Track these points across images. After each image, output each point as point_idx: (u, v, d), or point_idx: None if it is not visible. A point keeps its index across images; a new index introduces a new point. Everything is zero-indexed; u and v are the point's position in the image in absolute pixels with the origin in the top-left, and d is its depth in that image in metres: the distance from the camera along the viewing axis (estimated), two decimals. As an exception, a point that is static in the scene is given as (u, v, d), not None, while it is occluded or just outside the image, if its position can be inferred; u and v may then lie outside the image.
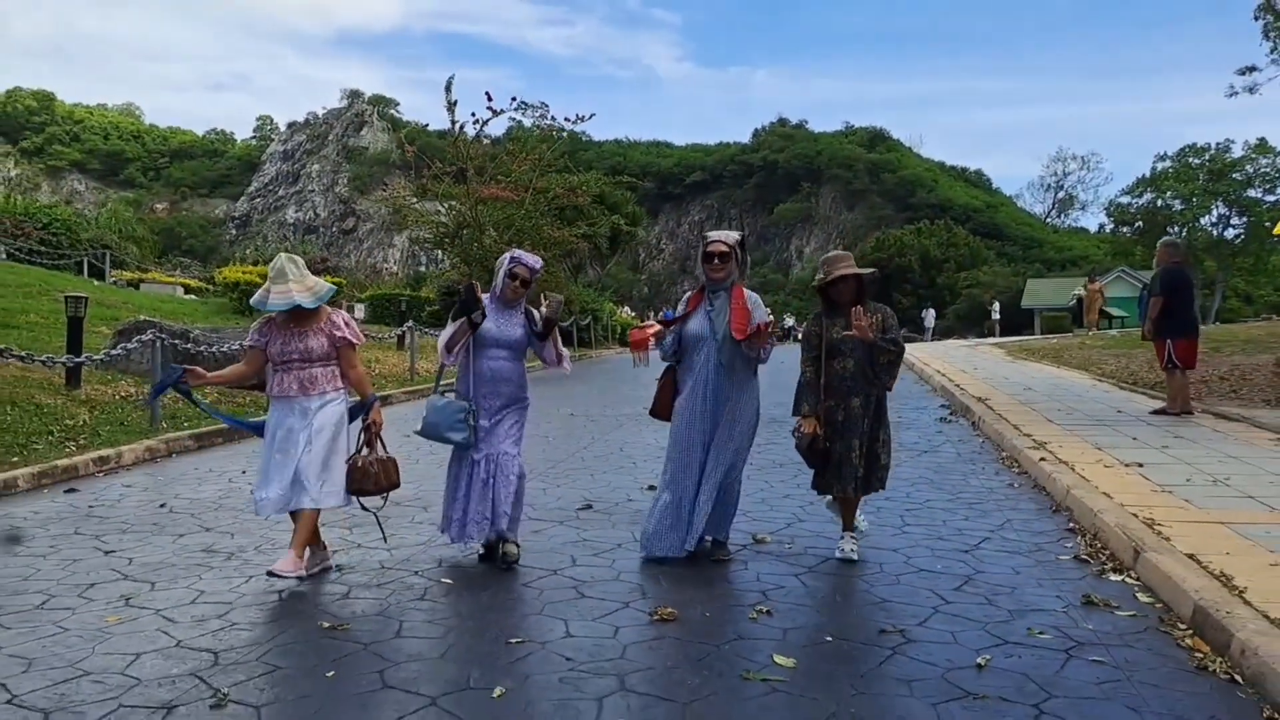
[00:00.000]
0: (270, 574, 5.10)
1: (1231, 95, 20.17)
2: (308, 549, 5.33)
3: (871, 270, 5.86)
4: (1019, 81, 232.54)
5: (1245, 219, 57.59)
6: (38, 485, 8.16)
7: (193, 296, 31.41)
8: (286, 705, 3.64)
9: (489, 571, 5.51)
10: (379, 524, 5.84)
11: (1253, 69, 19.59)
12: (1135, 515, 6.25)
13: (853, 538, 5.80)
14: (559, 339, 5.82)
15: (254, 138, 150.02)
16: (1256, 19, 19.19)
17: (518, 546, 5.68)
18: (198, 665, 4.05)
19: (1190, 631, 4.48)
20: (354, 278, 54.00)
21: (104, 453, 9.10)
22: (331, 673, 3.95)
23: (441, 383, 6.16)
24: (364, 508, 5.64)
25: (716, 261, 5.59)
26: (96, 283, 27.59)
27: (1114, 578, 5.38)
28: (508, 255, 5.84)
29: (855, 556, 5.67)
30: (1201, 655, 4.20)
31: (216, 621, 4.64)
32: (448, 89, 24.12)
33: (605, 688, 3.81)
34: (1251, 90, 19.79)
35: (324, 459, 5.29)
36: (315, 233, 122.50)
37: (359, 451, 5.46)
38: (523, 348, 5.75)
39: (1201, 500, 6.74)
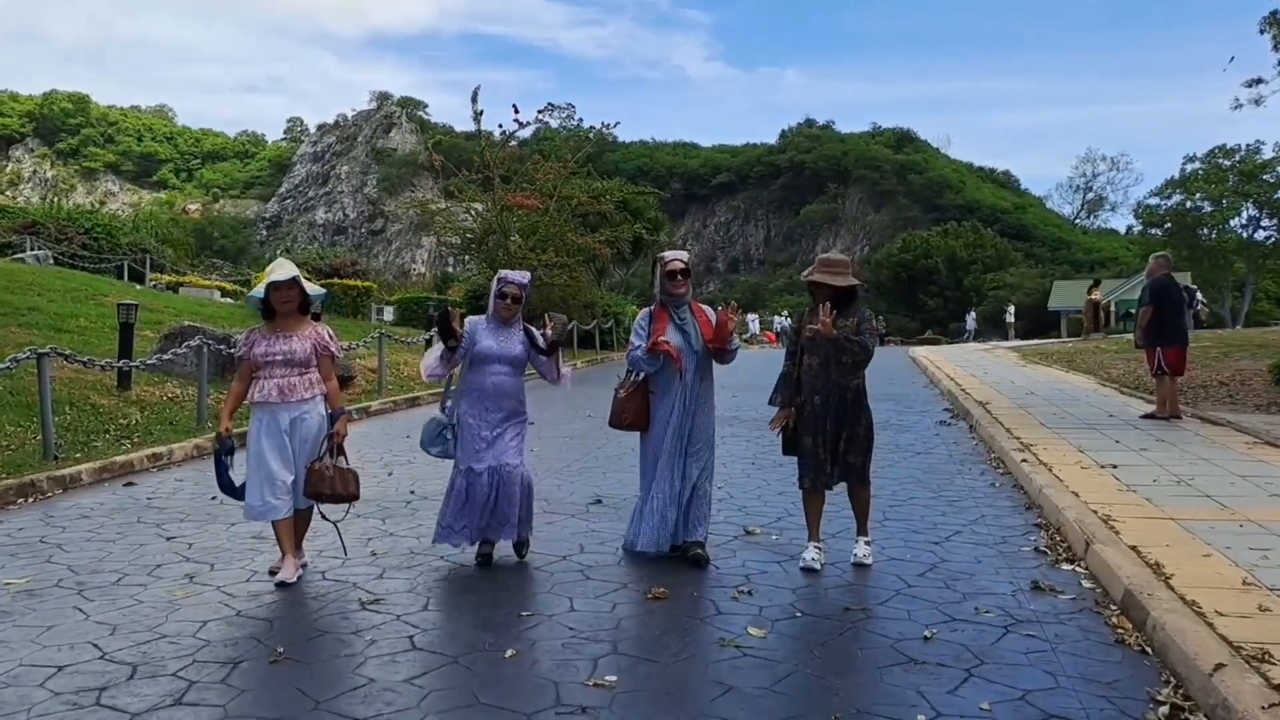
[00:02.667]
0: (281, 584, 5.52)
1: (1237, 108, 20.57)
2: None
3: (851, 285, 5.99)
4: (1048, 82, 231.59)
5: (1276, 221, 57.32)
6: (99, 479, 8.95)
7: (229, 300, 32.32)
8: (333, 662, 4.36)
9: (505, 557, 6.19)
10: (339, 536, 6.05)
11: (1259, 81, 19.96)
12: (1095, 512, 6.85)
13: (817, 547, 6.00)
14: (561, 356, 6.19)
15: (284, 139, 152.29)
16: (1262, 32, 19.56)
17: (526, 542, 6.18)
18: (256, 630, 4.78)
19: (1118, 612, 5.10)
20: (382, 279, 55.01)
21: (157, 450, 9.90)
22: (370, 636, 4.67)
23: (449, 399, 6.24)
24: (324, 517, 5.86)
25: (679, 278, 6.12)
26: (138, 287, 28.57)
27: (1065, 567, 6.00)
28: (496, 276, 6.20)
29: (817, 566, 5.87)
30: (1123, 631, 4.83)
31: (270, 596, 5.37)
32: (474, 99, 24.88)
33: (600, 651, 4.49)
34: (1258, 102, 20.17)
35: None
36: (344, 233, 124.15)
37: (320, 458, 5.67)
38: (522, 363, 6.05)
39: (1161, 499, 7.33)
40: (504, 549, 6.19)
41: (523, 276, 6.18)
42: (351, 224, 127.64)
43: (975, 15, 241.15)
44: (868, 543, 6.10)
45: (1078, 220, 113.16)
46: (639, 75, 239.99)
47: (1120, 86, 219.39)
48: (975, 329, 51.65)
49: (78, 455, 9.36)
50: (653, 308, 6.29)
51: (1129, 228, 79.05)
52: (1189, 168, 59.72)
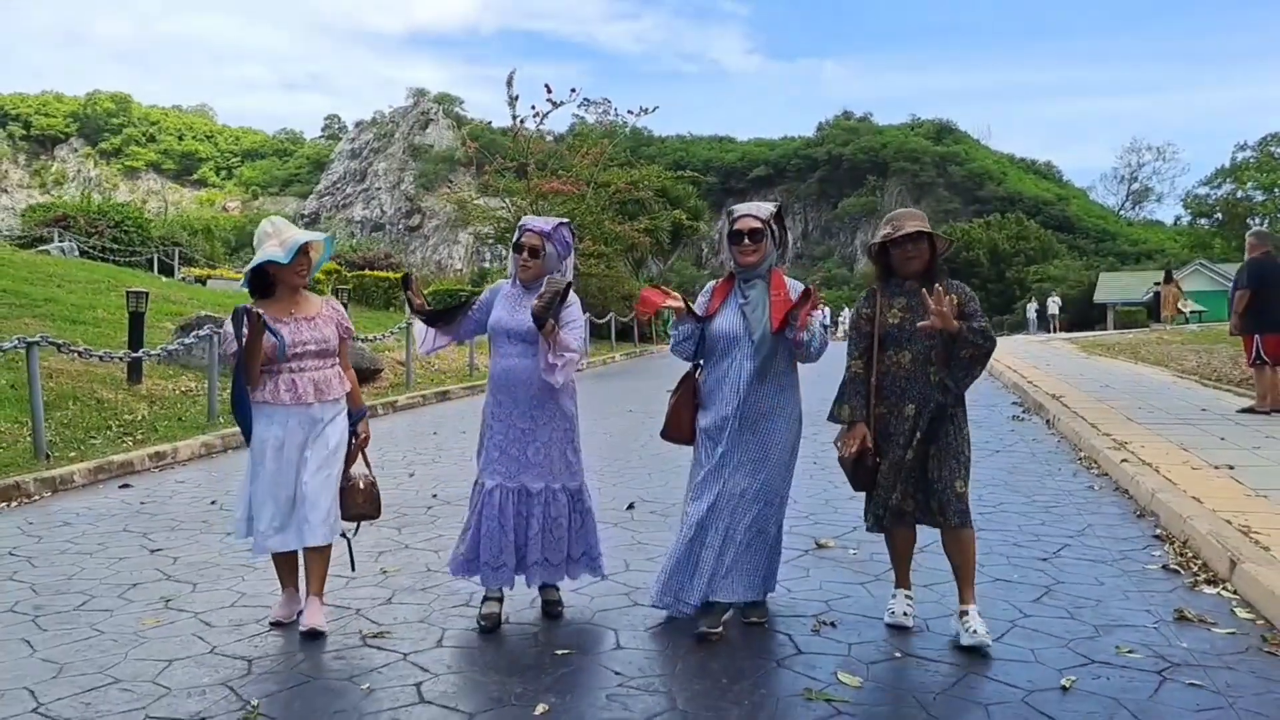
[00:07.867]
0: (313, 632, 4.28)
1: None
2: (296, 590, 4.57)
3: (949, 240, 4.65)
4: (1091, 72, 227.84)
5: (1332, 209, 55.58)
6: (94, 481, 8.14)
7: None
8: (318, 719, 3.44)
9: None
10: (349, 549, 4.77)
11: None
12: (1229, 522, 5.82)
13: (908, 598, 4.51)
14: (560, 337, 4.32)
15: (322, 137, 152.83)
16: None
17: (558, 590, 4.67)
18: (230, 674, 3.87)
19: (1297, 653, 4.09)
20: (420, 274, 54.38)
21: (160, 448, 9.08)
22: (366, 685, 3.75)
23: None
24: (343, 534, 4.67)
25: (747, 241, 4.42)
26: (165, 279, 28.02)
27: (1208, 590, 4.98)
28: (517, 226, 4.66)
29: (909, 622, 4.42)
30: (1312, 680, 3.81)
31: (254, 626, 4.47)
32: (509, 83, 24.09)
33: (655, 706, 3.55)
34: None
35: (335, 485, 4.47)
36: (382, 230, 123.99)
37: (352, 470, 4.55)
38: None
39: (1301, 506, 6.28)
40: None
41: (545, 224, 4.58)
42: (389, 220, 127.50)
43: (1016, 5, 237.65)
44: (979, 613, 4.26)
45: (1122, 212, 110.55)
46: (676, 69, 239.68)
47: (1166, 75, 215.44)
48: (1039, 315, 48.74)
49: (72, 454, 8.55)
50: (717, 281, 4.69)
51: (1176, 218, 77.33)
52: (1240, 156, 58.14)
